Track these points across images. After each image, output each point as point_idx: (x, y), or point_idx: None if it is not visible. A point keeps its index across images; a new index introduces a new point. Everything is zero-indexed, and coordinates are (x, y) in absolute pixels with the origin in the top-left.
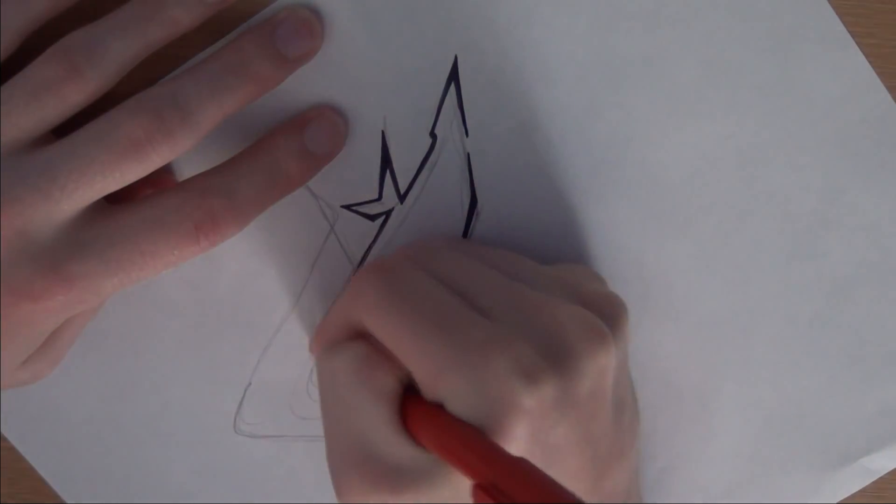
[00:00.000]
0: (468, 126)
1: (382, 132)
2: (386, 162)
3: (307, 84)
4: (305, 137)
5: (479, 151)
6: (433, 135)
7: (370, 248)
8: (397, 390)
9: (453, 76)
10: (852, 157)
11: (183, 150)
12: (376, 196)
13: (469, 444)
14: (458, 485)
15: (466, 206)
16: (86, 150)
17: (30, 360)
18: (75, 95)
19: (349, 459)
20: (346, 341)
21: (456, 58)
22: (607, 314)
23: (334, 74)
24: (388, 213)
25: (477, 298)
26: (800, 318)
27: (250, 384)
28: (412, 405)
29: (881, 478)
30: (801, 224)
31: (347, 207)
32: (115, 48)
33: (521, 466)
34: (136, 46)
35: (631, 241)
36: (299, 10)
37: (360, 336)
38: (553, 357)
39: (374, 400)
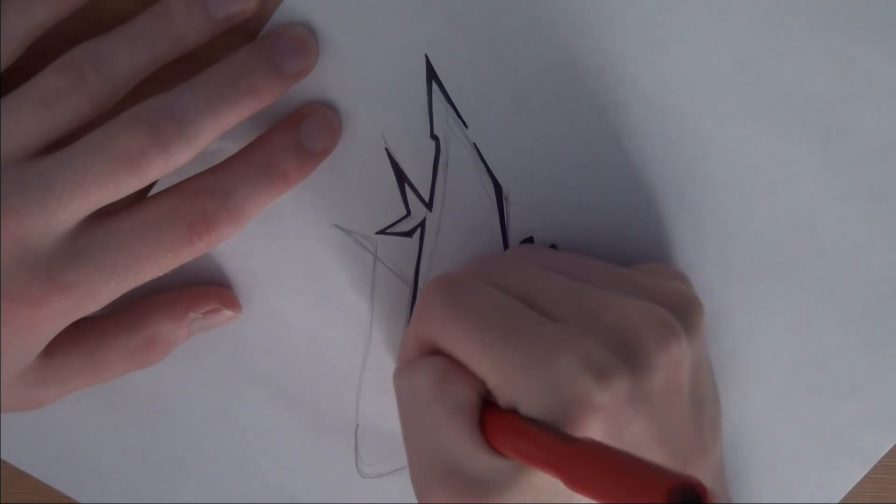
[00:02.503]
0: (464, 118)
1: (386, 150)
2: (401, 177)
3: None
4: (301, 134)
5: (484, 137)
6: (434, 136)
7: (418, 262)
8: (475, 402)
9: (431, 75)
10: (848, 24)
11: (179, 163)
12: (404, 212)
13: (544, 440)
14: (540, 488)
15: (493, 194)
16: (81, 161)
17: (26, 386)
18: (83, 106)
19: (432, 474)
20: (421, 358)
21: (426, 56)
22: (679, 309)
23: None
24: (422, 225)
25: (541, 303)
26: (856, 195)
27: (358, 426)
28: (490, 415)
29: (881, 478)
30: (822, 106)
31: (382, 232)
32: (123, 61)
33: (592, 448)
34: (143, 60)
35: (652, 176)
36: (296, 27)
37: (435, 352)
38: (623, 353)
39: (452, 413)
